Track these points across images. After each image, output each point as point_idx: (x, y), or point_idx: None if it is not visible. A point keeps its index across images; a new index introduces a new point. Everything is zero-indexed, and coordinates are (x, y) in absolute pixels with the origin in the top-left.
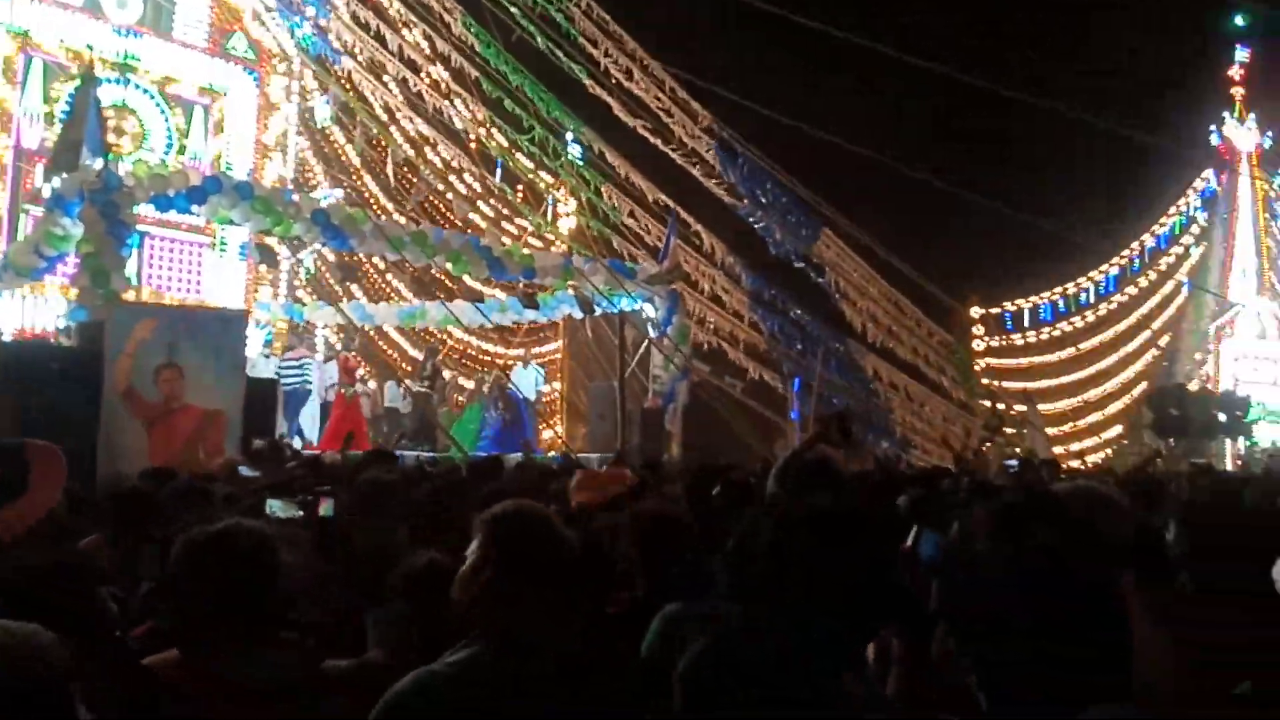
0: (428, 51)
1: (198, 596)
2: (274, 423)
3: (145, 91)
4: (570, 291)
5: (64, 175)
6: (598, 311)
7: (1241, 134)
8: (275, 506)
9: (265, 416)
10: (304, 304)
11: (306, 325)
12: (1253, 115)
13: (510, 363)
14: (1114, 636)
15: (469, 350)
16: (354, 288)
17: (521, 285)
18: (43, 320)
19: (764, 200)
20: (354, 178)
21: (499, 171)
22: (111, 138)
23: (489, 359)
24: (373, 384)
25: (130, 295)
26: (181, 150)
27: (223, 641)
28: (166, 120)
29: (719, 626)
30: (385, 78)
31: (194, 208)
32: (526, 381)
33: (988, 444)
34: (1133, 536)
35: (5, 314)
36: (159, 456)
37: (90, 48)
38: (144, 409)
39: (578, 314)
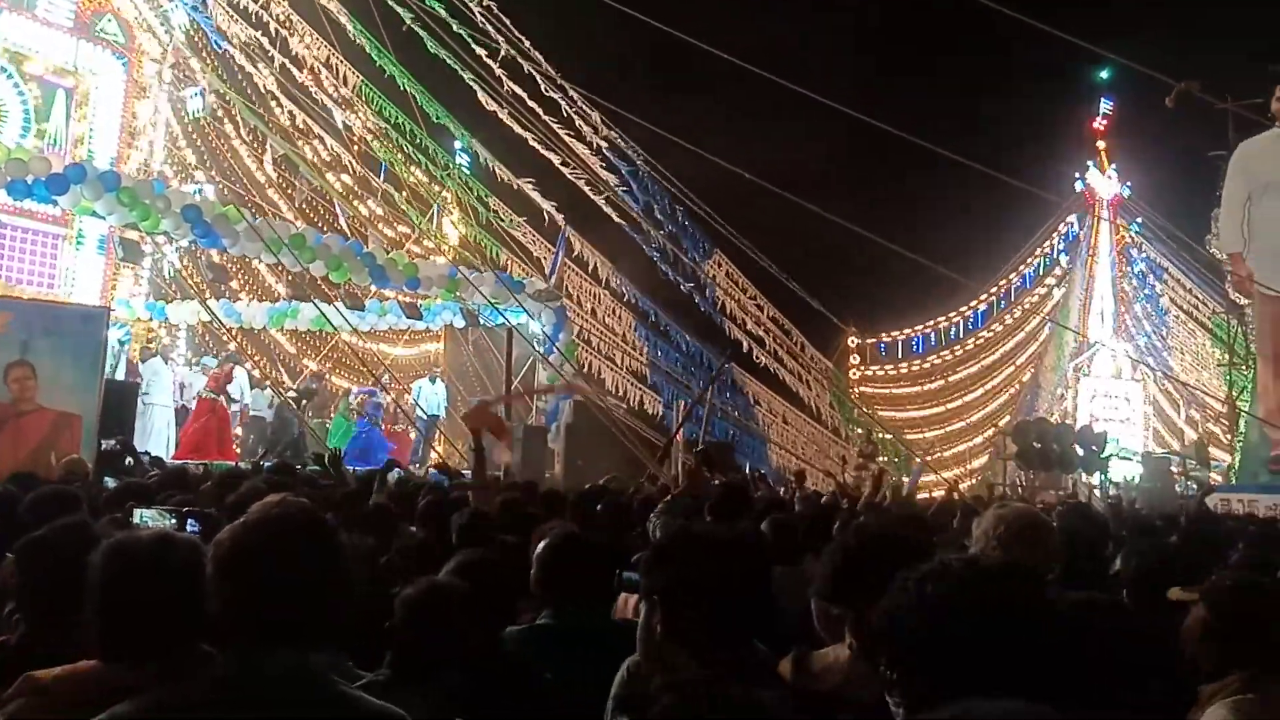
0: (311, 47)
1: (138, 605)
2: (133, 429)
3: (2, 70)
4: (455, 300)
5: None
6: (482, 324)
7: (1103, 182)
8: (146, 517)
9: (124, 422)
10: (166, 301)
11: (169, 325)
12: (1113, 166)
13: (416, 375)
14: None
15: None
16: (226, 284)
17: (404, 294)
18: None
19: (659, 216)
20: (229, 174)
21: (383, 173)
22: None
23: (380, 362)
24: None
25: None
26: (40, 135)
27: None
28: (24, 101)
29: None
30: (265, 69)
31: (54, 197)
32: (432, 397)
33: (862, 471)
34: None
35: None
36: (6, 462)
37: None
38: None
39: (459, 323)
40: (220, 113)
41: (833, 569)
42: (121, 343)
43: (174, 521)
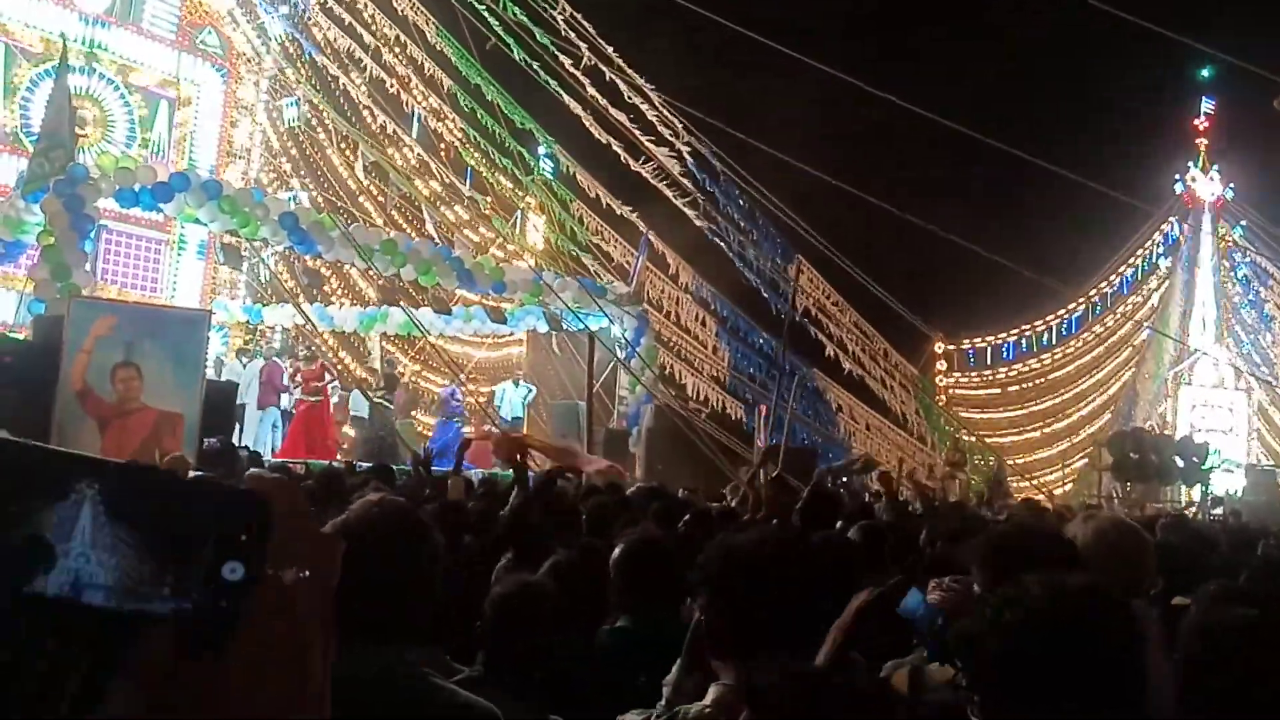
0: (400, 56)
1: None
2: (233, 428)
3: (110, 81)
4: (539, 304)
5: (58, 174)
6: (564, 328)
7: (1204, 184)
8: None
9: (225, 421)
10: (263, 305)
11: (262, 328)
12: (1215, 166)
13: (500, 378)
14: (1130, 680)
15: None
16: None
17: (489, 298)
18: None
19: (741, 222)
20: (322, 181)
21: (469, 179)
22: (78, 128)
23: (466, 365)
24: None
25: (87, 290)
26: (144, 144)
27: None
28: (130, 112)
29: None
30: (357, 79)
31: (160, 205)
32: (515, 399)
33: (951, 479)
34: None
35: None
36: (111, 458)
37: (63, 36)
38: (99, 408)
39: (542, 328)
40: (314, 121)
41: (990, 564)
42: (223, 344)
43: None
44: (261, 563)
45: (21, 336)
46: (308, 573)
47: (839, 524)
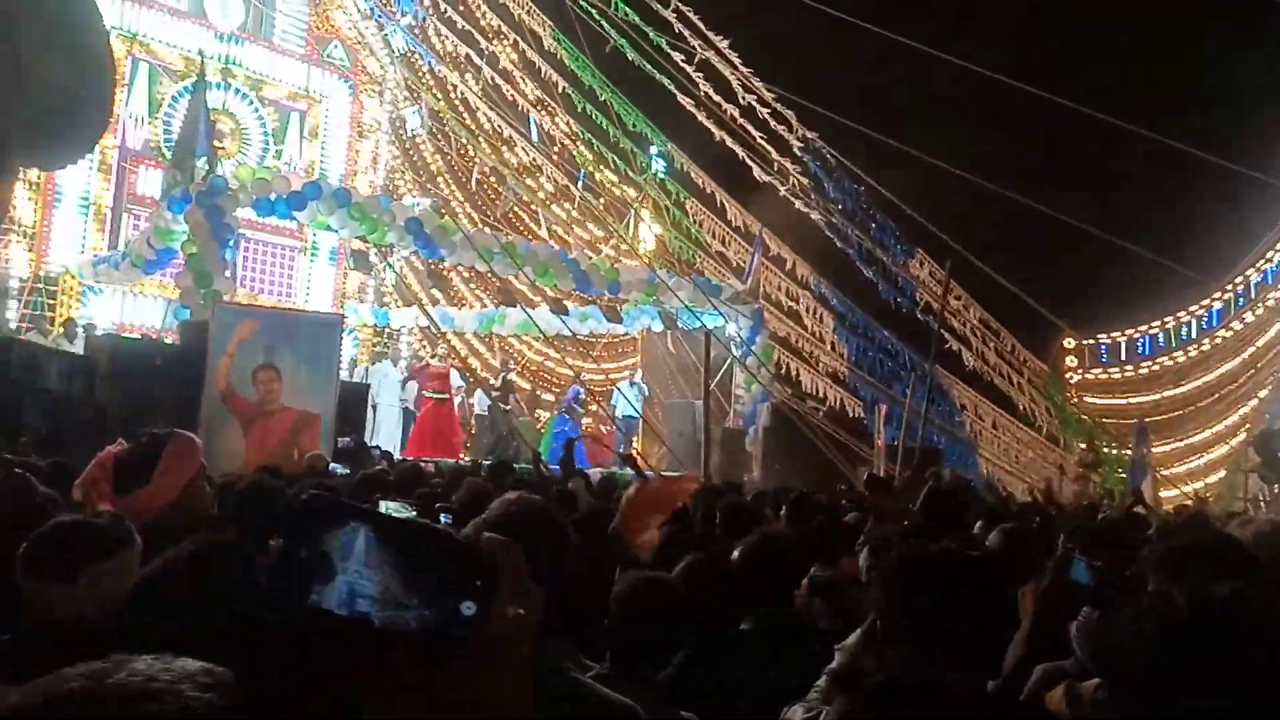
0: (517, 60)
1: None
2: (365, 427)
3: (244, 96)
4: (654, 304)
5: (188, 184)
6: (679, 327)
7: None
8: (390, 509)
9: (358, 421)
10: (390, 308)
11: (390, 331)
12: None
13: (614, 376)
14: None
15: (544, 366)
16: (436, 293)
17: (606, 299)
18: (143, 318)
19: (857, 215)
20: (442, 187)
21: (580, 180)
22: (215, 141)
23: (565, 374)
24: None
25: (227, 296)
26: (277, 155)
27: None
28: (263, 124)
29: None
30: (474, 85)
31: (294, 213)
32: (630, 399)
33: (1085, 481)
34: None
35: (106, 310)
36: (255, 457)
37: (201, 54)
38: (242, 409)
39: (657, 327)
40: (435, 129)
41: (1166, 572)
42: (354, 347)
43: (416, 514)
44: (489, 603)
45: (169, 341)
46: (522, 611)
47: (976, 526)
